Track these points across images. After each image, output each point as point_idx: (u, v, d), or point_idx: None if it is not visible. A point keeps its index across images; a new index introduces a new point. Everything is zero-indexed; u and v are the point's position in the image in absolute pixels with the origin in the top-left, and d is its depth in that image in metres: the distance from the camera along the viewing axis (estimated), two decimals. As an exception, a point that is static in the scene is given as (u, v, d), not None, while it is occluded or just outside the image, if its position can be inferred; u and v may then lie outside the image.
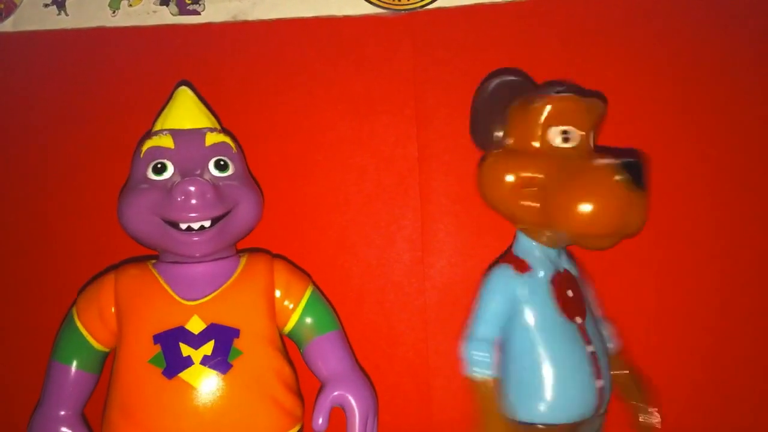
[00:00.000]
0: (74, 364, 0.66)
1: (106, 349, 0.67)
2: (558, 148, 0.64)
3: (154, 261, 0.69)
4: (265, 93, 0.81)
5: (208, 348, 0.62)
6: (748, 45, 0.76)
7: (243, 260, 0.69)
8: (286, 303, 0.69)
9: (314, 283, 0.73)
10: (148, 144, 0.67)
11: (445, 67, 0.80)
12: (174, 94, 0.71)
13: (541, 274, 0.65)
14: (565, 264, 0.65)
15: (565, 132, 0.64)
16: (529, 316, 0.64)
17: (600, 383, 0.62)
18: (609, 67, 0.77)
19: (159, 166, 0.65)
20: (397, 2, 0.80)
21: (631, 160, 0.58)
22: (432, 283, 0.79)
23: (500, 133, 0.67)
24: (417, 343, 0.79)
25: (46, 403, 0.66)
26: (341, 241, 0.80)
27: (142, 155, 0.67)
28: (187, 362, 0.61)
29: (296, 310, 0.69)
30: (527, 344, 0.63)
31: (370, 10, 0.81)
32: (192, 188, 0.63)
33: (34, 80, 0.83)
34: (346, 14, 0.81)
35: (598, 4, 0.78)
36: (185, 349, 0.62)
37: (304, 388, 0.71)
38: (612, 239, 0.60)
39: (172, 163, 0.66)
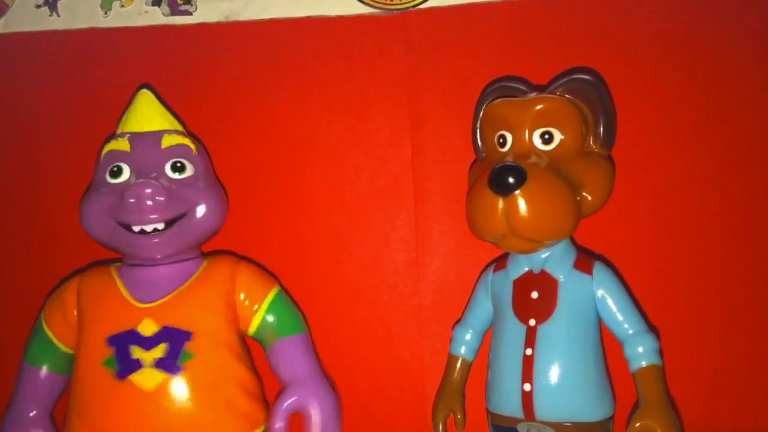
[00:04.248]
0: (43, 366, 0.68)
1: (70, 350, 0.68)
2: (497, 153, 0.65)
3: (118, 264, 0.70)
4: (258, 93, 0.81)
5: (159, 351, 0.63)
6: (747, 44, 0.76)
7: (205, 263, 0.70)
8: (248, 304, 0.69)
9: (282, 286, 0.73)
10: (107, 148, 0.68)
11: (439, 66, 0.80)
12: (134, 97, 0.71)
13: (511, 274, 0.66)
14: (550, 266, 0.64)
15: (501, 136, 0.65)
16: (496, 313, 0.68)
17: (527, 387, 0.62)
18: (604, 67, 0.76)
19: (115, 169, 0.66)
20: (390, 2, 0.80)
21: (497, 166, 0.59)
22: (426, 284, 0.79)
23: (479, 143, 0.69)
24: (412, 344, 0.79)
25: (16, 404, 0.68)
26: (335, 242, 0.80)
27: (101, 159, 0.68)
28: (137, 365, 0.62)
29: (259, 311, 0.69)
30: (492, 338, 0.68)
31: (363, 9, 0.80)
32: (143, 191, 0.63)
33: (25, 81, 0.82)
34: (338, 14, 0.80)
35: (593, 3, 0.78)
36: (136, 352, 0.62)
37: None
38: (512, 242, 0.61)
39: (129, 166, 0.66)
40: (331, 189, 0.81)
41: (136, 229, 0.64)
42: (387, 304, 0.80)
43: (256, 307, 0.69)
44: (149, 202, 0.63)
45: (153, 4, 0.82)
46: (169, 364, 0.62)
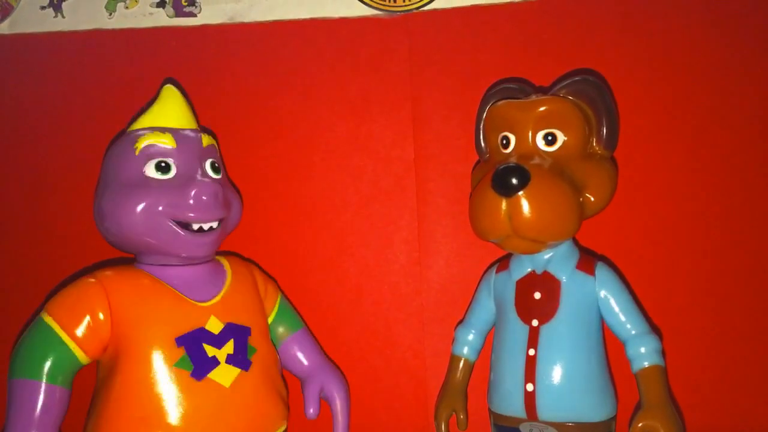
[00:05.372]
0: (56, 380, 0.59)
1: (88, 361, 0.62)
2: (501, 154, 0.66)
3: (137, 264, 0.66)
4: (262, 95, 0.82)
5: (229, 347, 0.63)
6: (748, 46, 0.76)
7: (225, 262, 0.70)
8: (266, 303, 0.71)
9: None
10: (146, 140, 0.64)
11: (442, 68, 0.80)
12: (162, 92, 0.68)
13: (514, 274, 0.67)
14: (553, 267, 0.65)
15: (504, 138, 0.66)
16: (498, 314, 0.69)
17: (530, 387, 0.62)
18: (607, 69, 0.76)
19: (163, 164, 0.63)
20: (393, 4, 0.80)
21: (500, 167, 0.59)
22: (429, 284, 0.80)
23: (483, 144, 0.70)
24: (414, 344, 0.80)
25: (20, 428, 0.58)
26: (338, 243, 0.81)
27: (138, 152, 0.63)
28: (214, 362, 0.62)
29: (273, 311, 0.72)
30: (494, 338, 0.69)
31: (366, 11, 0.81)
32: (210, 189, 0.63)
33: (30, 82, 0.83)
34: (342, 16, 0.81)
35: (595, 5, 0.78)
36: (210, 350, 0.62)
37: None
38: (515, 243, 0.62)
39: (175, 163, 0.64)
40: (333, 190, 0.81)
41: (196, 227, 0.63)
42: (390, 305, 0.80)
43: (269, 308, 0.72)
44: (214, 201, 0.63)
45: (157, 6, 0.82)
46: (240, 360, 0.63)
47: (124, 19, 0.82)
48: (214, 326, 0.63)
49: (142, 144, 0.64)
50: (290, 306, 0.75)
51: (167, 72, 0.81)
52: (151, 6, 0.82)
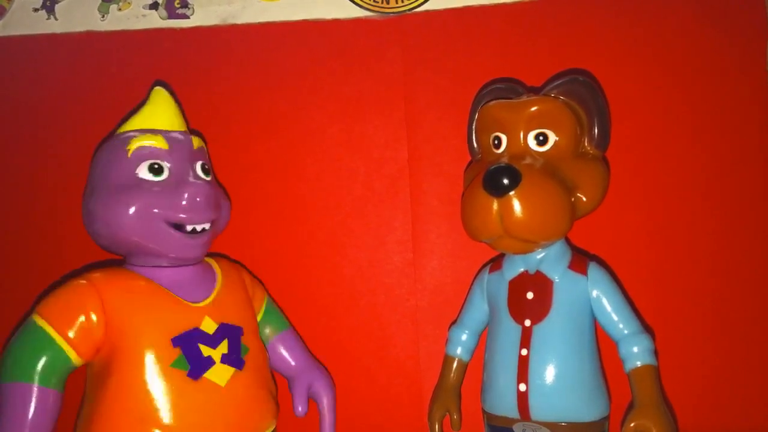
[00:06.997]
0: (49, 382, 0.58)
1: (81, 363, 0.61)
2: (493, 154, 0.66)
3: (128, 266, 0.66)
4: (255, 96, 0.82)
5: (224, 347, 0.64)
6: (739, 47, 0.76)
7: (214, 263, 0.70)
8: (255, 303, 0.72)
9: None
10: (138, 143, 0.64)
11: (435, 68, 0.80)
12: (152, 94, 0.68)
13: (506, 274, 0.67)
14: (545, 266, 0.65)
15: (495, 138, 0.66)
16: (491, 314, 0.69)
17: (522, 387, 0.62)
18: (598, 69, 0.77)
19: (156, 166, 0.63)
20: (385, 5, 0.80)
21: (491, 167, 0.60)
22: (423, 285, 0.80)
23: (475, 145, 0.70)
24: (408, 345, 0.80)
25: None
26: (332, 244, 0.81)
27: (130, 154, 0.63)
28: (210, 362, 0.62)
29: (260, 312, 0.73)
30: (487, 338, 0.69)
31: (359, 13, 0.81)
32: (203, 191, 0.63)
33: (23, 84, 0.83)
34: (335, 17, 0.81)
35: (586, 6, 0.78)
36: (205, 350, 0.62)
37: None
38: (507, 243, 0.62)
39: (168, 165, 0.64)
40: (327, 191, 0.81)
41: (189, 228, 0.64)
42: (383, 306, 0.80)
43: (258, 307, 0.72)
44: (207, 203, 0.64)
45: (150, 8, 0.82)
46: (234, 359, 0.64)
47: (116, 21, 0.82)
48: (209, 326, 0.64)
49: (134, 146, 0.64)
50: (276, 307, 0.75)
51: (160, 74, 0.81)
52: (143, 8, 0.82)
